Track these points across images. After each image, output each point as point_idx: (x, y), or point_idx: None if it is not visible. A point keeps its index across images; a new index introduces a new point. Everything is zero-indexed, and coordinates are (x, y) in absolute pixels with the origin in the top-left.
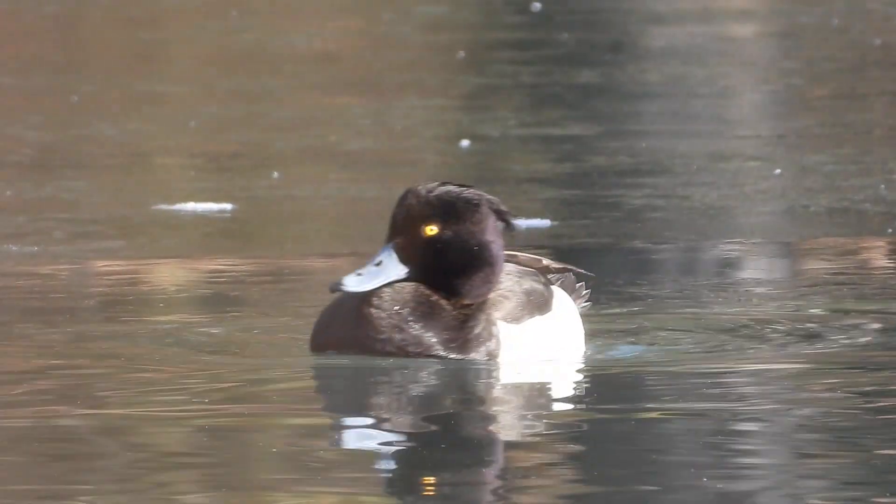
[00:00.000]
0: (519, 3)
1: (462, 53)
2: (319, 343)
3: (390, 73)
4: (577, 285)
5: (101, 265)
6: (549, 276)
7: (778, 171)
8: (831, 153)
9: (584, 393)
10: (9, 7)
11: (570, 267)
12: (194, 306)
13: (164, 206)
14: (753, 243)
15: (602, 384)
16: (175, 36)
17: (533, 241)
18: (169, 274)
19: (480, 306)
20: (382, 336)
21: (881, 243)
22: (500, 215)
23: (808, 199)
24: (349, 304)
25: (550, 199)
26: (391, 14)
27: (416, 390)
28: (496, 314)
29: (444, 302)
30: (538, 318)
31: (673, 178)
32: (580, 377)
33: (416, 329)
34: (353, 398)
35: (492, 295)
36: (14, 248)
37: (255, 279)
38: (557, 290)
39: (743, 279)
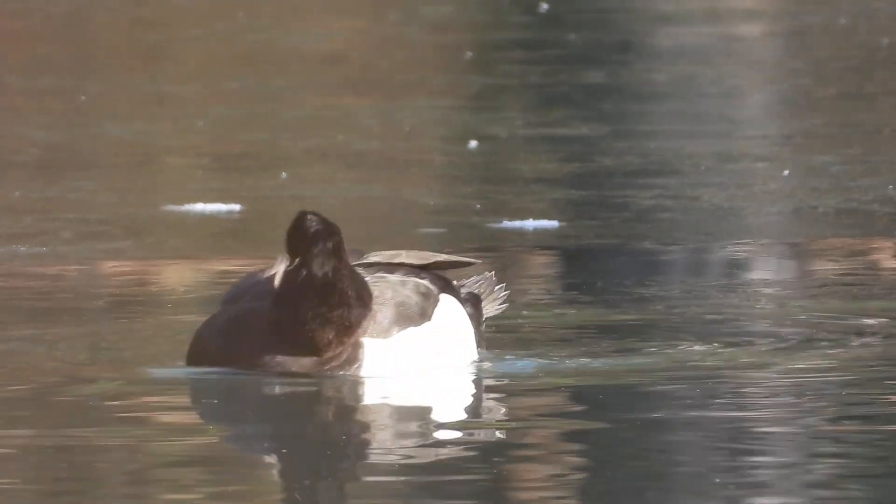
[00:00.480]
0: (526, 3)
1: (469, 54)
2: (193, 357)
3: (397, 74)
4: (497, 287)
5: (109, 265)
6: (467, 280)
7: (786, 171)
8: (839, 153)
9: (445, 407)
10: (17, 7)
11: (461, 259)
12: (202, 306)
13: (171, 207)
14: (762, 244)
15: (469, 397)
16: (183, 36)
17: (541, 242)
18: (177, 274)
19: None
20: (249, 360)
21: (889, 244)
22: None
23: (816, 199)
24: (224, 320)
25: (558, 200)
26: (398, 14)
27: (278, 413)
28: (362, 331)
29: (329, 334)
30: (411, 331)
31: (681, 178)
32: (447, 390)
33: (280, 351)
34: (205, 418)
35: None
36: (22, 249)
37: None
38: (445, 299)
39: (751, 280)
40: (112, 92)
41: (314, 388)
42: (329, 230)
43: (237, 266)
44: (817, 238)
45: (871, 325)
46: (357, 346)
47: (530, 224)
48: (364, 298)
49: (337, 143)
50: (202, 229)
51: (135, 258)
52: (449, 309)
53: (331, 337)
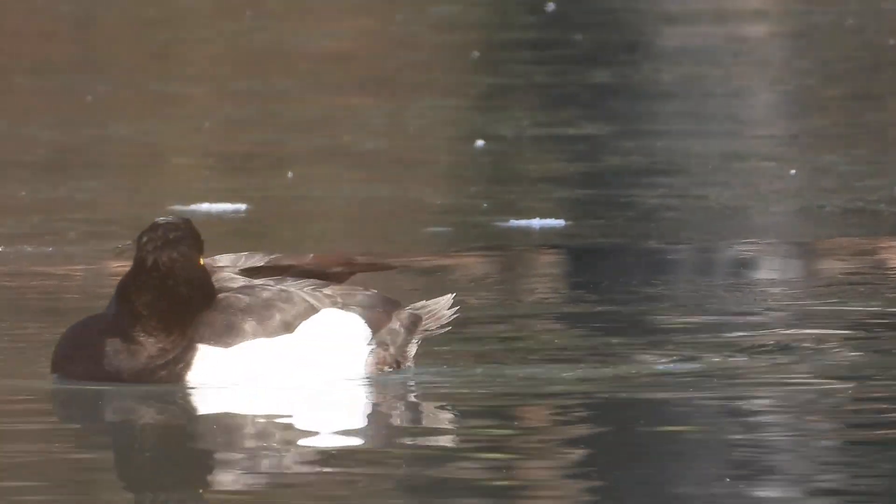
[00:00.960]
0: (533, 2)
1: (476, 53)
2: (54, 364)
3: (404, 74)
4: (448, 310)
5: (116, 266)
6: (428, 301)
7: (792, 171)
8: (845, 153)
9: (271, 422)
10: (24, 7)
11: (377, 262)
12: None
13: (178, 207)
14: (768, 243)
15: (292, 410)
16: (190, 36)
17: (547, 241)
18: None
19: (186, 328)
20: (83, 364)
21: None
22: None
23: (823, 199)
24: (71, 327)
25: (564, 199)
26: (405, 14)
27: (98, 421)
28: (199, 336)
29: (148, 325)
30: (260, 342)
31: (687, 177)
32: (274, 404)
33: (112, 356)
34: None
35: (209, 313)
36: (29, 249)
37: None
38: (327, 314)
39: (757, 279)
40: (119, 92)
41: (134, 395)
42: (174, 224)
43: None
44: (824, 238)
45: (878, 325)
46: (190, 349)
47: (536, 223)
48: (200, 298)
49: (343, 143)
50: (209, 229)
51: None
52: (326, 324)
53: (144, 328)
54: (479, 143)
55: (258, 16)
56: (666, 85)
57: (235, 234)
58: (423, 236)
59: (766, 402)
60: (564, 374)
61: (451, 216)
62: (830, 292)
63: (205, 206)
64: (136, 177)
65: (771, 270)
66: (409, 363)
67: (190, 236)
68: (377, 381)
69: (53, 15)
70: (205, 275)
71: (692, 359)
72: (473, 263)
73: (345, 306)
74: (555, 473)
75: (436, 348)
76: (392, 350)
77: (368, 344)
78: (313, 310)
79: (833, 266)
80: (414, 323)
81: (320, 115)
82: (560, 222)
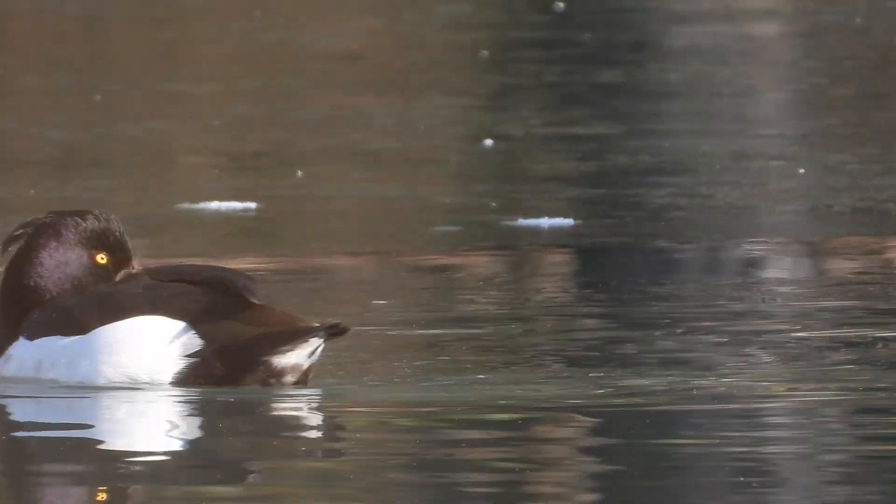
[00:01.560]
0: (542, 2)
1: (485, 53)
2: None
3: (413, 73)
4: (329, 330)
5: None
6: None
7: (801, 170)
8: (854, 152)
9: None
10: (33, 7)
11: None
12: None
13: (187, 206)
14: (776, 242)
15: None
16: (198, 36)
17: (556, 240)
18: None
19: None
20: None
21: None
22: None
23: (832, 198)
24: None
25: (573, 199)
26: (414, 13)
27: None
28: (21, 329)
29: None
30: (54, 339)
31: (696, 177)
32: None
33: None
34: None
35: (38, 309)
36: None
37: (278, 278)
38: (145, 320)
39: (766, 278)
40: (127, 91)
41: None
42: (39, 219)
43: (252, 265)
44: (833, 237)
45: (888, 325)
46: (12, 339)
47: (545, 222)
48: (33, 294)
49: (352, 142)
50: (218, 228)
51: (150, 257)
52: (132, 329)
53: None
54: (488, 142)
55: (267, 15)
56: (674, 84)
57: (244, 233)
58: (431, 235)
59: (776, 404)
60: (569, 376)
61: (459, 215)
62: (839, 291)
63: (214, 205)
64: (145, 176)
65: (780, 270)
66: (290, 380)
67: (69, 232)
68: (189, 393)
69: (62, 14)
70: (67, 269)
71: (700, 360)
72: (482, 263)
73: (180, 314)
74: (557, 482)
75: (432, 349)
76: (230, 363)
77: (190, 355)
78: (122, 314)
79: (842, 265)
80: (282, 341)
81: (329, 114)
82: (569, 221)
